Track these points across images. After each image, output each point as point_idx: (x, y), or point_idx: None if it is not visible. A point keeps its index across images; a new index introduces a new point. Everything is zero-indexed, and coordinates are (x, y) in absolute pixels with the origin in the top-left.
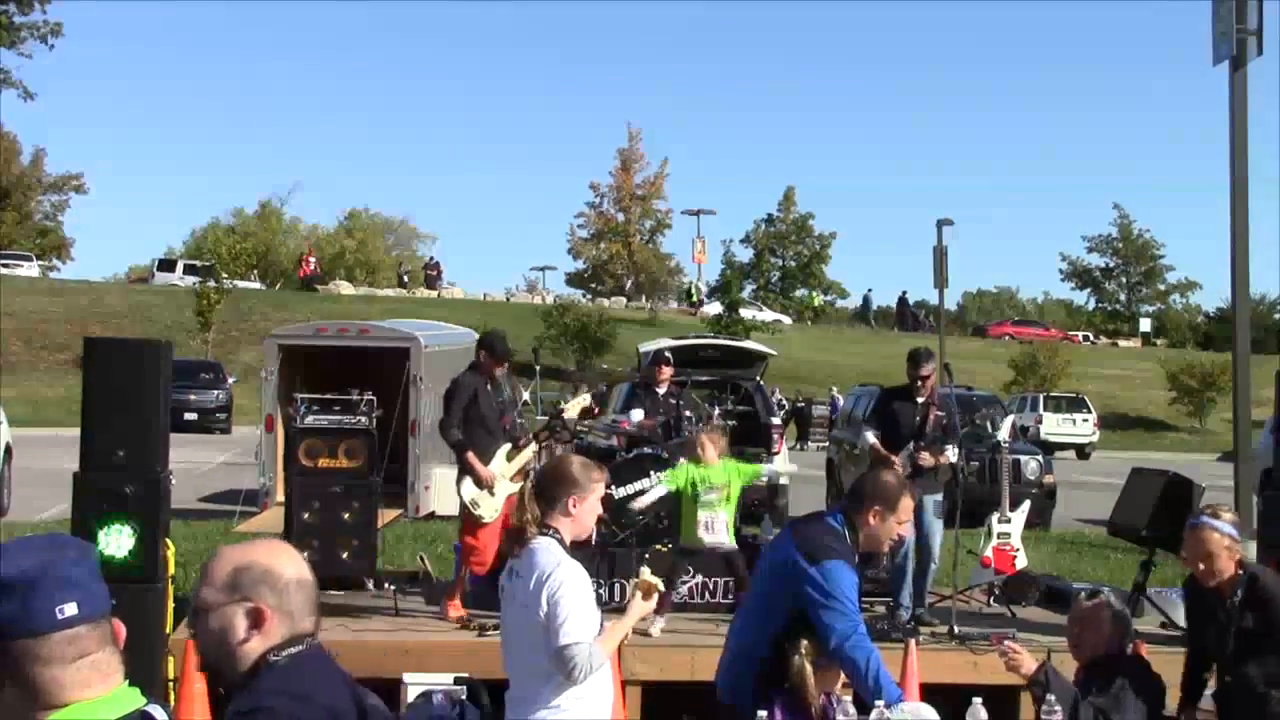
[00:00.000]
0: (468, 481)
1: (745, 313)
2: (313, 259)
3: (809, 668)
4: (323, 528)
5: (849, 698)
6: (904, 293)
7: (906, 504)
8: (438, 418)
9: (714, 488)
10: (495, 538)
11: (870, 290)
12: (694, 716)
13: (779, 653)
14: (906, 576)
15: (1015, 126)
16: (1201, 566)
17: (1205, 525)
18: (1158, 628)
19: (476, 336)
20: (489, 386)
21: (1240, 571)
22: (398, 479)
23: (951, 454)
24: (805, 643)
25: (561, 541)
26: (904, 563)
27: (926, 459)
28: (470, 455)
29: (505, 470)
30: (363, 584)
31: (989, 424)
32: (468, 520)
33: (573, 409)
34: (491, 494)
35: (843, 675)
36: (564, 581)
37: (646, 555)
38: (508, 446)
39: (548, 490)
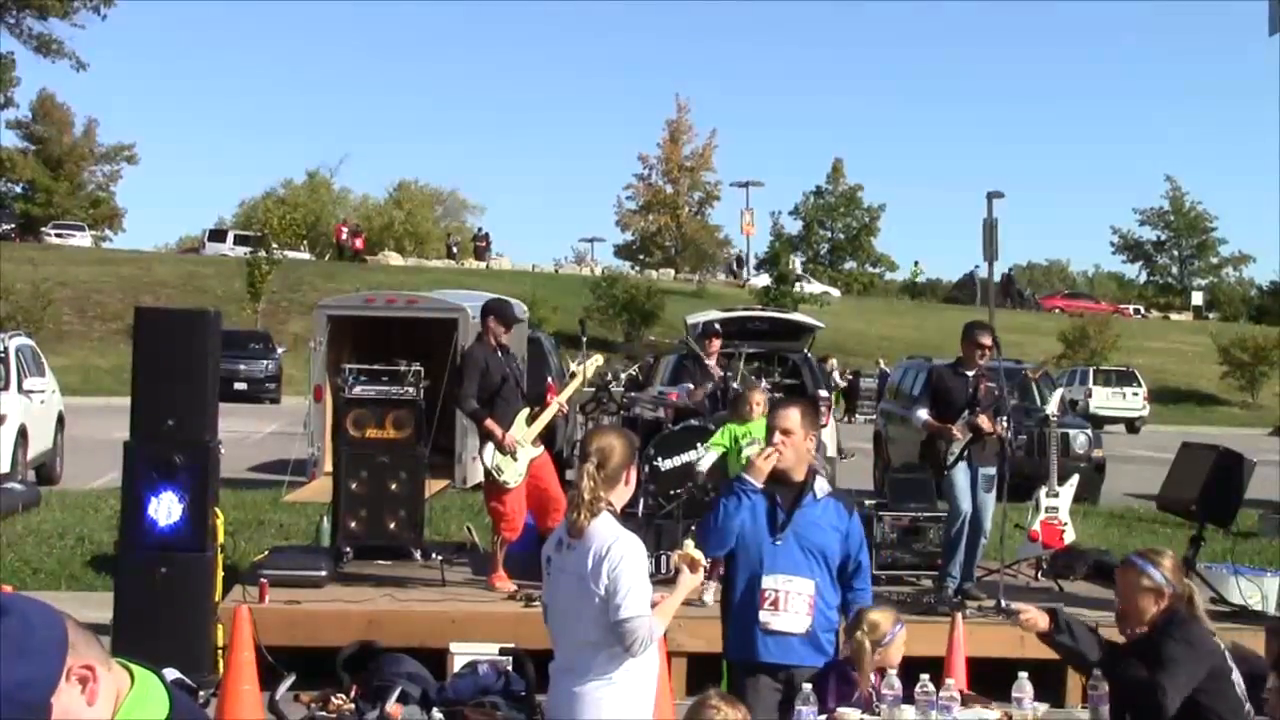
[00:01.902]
0: (489, 447)
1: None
2: (345, 229)
3: (869, 645)
4: (370, 498)
5: (894, 671)
6: (1010, 269)
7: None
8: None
9: (755, 440)
10: (523, 502)
11: (977, 267)
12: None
13: None
14: (959, 550)
15: (1066, 98)
16: (1120, 608)
17: (1128, 563)
18: (1207, 604)
19: (525, 308)
20: (499, 354)
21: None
22: (445, 450)
23: (1003, 424)
24: (869, 618)
25: (614, 513)
26: (957, 537)
27: (984, 421)
28: (489, 422)
29: (526, 435)
30: (409, 554)
31: (1034, 385)
32: (493, 486)
33: (589, 369)
34: (514, 459)
35: (897, 655)
36: (624, 556)
37: (692, 528)
38: (526, 411)
39: (610, 469)
